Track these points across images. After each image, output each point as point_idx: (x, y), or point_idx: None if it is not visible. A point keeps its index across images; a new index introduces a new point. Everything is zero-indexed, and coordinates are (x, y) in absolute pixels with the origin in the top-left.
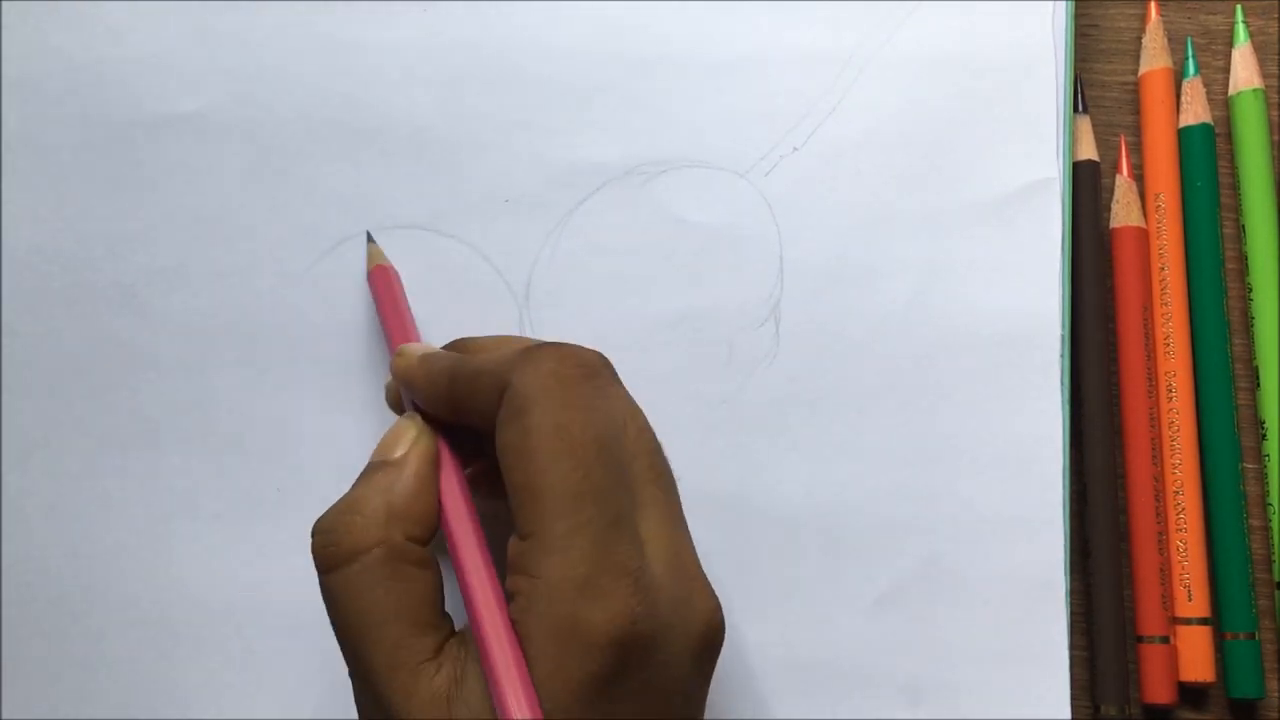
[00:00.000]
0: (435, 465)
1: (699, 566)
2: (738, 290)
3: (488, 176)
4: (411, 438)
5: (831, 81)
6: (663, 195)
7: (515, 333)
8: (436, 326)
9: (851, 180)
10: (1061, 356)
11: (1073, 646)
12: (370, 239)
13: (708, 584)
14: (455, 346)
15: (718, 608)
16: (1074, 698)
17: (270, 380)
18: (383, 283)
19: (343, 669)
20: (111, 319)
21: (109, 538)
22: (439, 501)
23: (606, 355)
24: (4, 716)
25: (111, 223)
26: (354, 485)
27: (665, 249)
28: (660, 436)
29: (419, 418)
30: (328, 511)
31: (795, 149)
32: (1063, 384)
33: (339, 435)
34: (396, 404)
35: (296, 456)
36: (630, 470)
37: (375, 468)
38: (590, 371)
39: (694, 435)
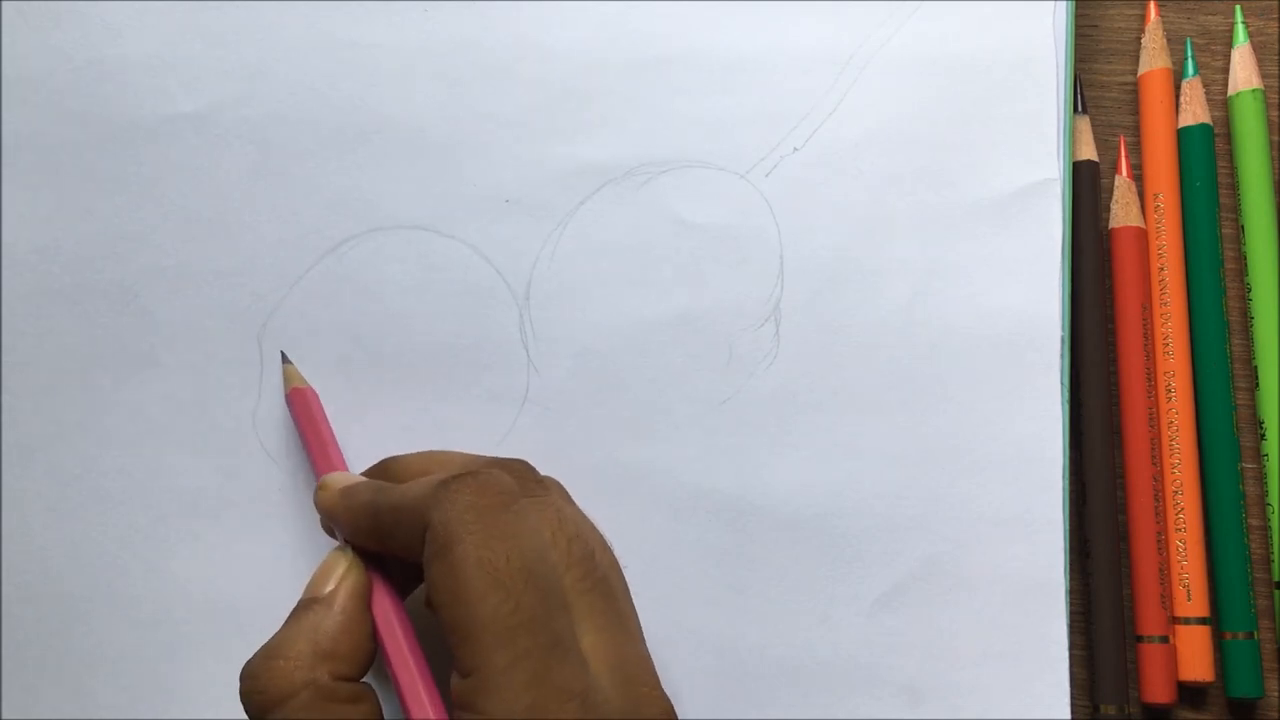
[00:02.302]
0: (365, 599)
1: (648, 668)
2: (738, 290)
3: (488, 176)
4: (340, 573)
5: (832, 82)
6: (663, 195)
7: (515, 333)
8: (437, 327)
9: (851, 180)
10: (1061, 356)
11: (1072, 646)
12: (285, 359)
13: (657, 686)
14: (379, 469)
15: (669, 711)
16: (1073, 697)
17: (270, 380)
18: (302, 407)
19: None
20: (112, 319)
21: (109, 538)
22: (376, 636)
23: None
24: (4, 716)
25: (111, 223)
26: (282, 626)
27: (665, 249)
28: (660, 436)
29: (350, 549)
30: (254, 656)
31: (796, 149)
32: (1063, 384)
33: (340, 433)
34: (331, 531)
35: (298, 456)
36: (563, 586)
37: (303, 606)
38: (508, 498)
39: (694, 435)
